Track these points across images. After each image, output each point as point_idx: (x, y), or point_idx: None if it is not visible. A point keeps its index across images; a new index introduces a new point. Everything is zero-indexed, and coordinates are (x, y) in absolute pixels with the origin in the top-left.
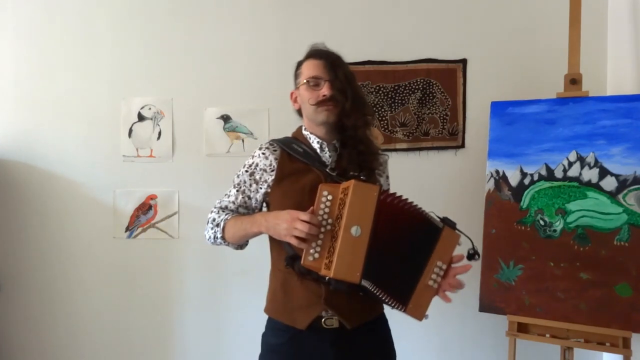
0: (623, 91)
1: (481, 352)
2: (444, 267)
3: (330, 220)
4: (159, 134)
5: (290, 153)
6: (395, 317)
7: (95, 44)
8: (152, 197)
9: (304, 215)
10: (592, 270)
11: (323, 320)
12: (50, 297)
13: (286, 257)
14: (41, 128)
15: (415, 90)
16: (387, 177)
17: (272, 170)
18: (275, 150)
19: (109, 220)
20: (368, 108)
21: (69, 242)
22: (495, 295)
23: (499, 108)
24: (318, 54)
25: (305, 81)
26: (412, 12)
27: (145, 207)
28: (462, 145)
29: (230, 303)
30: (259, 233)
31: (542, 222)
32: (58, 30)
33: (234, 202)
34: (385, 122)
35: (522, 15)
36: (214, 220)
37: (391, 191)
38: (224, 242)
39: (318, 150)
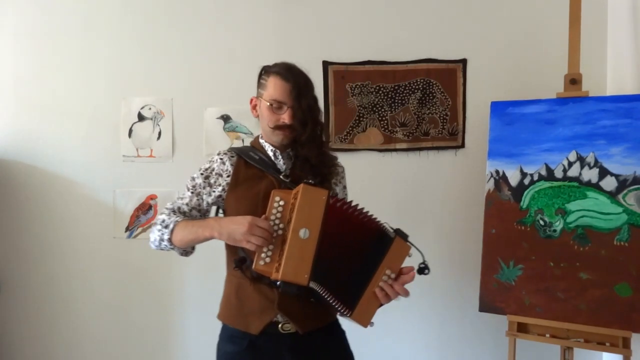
0: (623, 91)
1: (481, 352)
2: (393, 275)
3: (281, 225)
4: (159, 134)
5: (247, 160)
6: (393, 317)
7: (95, 44)
8: (152, 197)
9: (261, 222)
10: (592, 270)
11: (280, 325)
12: (50, 297)
13: (235, 259)
14: (41, 128)
15: (415, 90)
16: (344, 187)
17: (228, 176)
18: (232, 157)
19: (109, 220)
20: (322, 136)
21: (69, 242)
22: (495, 295)
23: (499, 108)
24: (287, 75)
25: (268, 103)
26: (412, 12)
27: (145, 207)
28: (462, 145)
29: None
30: (210, 238)
31: (542, 222)
32: (58, 31)
33: (187, 204)
34: (385, 122)
35: (522, 15)
36: (163, 221)
37: (352, 200)
38: (170, 245)
39: (272, 157)
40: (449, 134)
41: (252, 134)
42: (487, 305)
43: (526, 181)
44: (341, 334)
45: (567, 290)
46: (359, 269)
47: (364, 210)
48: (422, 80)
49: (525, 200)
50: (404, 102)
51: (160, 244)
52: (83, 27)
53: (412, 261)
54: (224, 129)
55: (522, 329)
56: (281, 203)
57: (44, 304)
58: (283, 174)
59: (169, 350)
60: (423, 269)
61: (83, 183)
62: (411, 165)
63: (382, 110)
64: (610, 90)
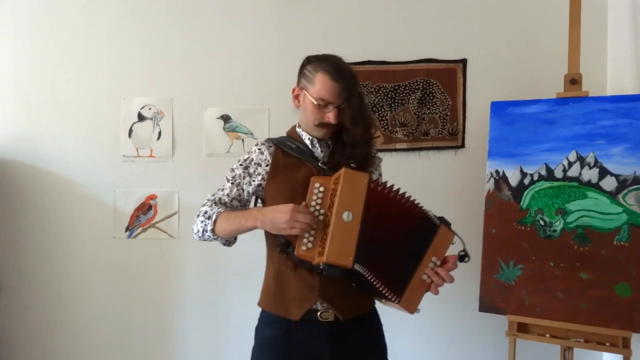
0: (623, 91)
1: (481, 352)
2: (438, 263)
3: (322, 211)
4: (159, 134)
5: (284, 149)
6: (393, 317)
7: (95, 44)
8: (152, 197)
9: (302, 209)
10: (592, 270)
11: (319, 313)
12: (50, 297)
13: (279, 243)
14: (41, 128)
15: (415, 90)
16: (380, 175)
17: (267, 165)
18: (270, 147)
19: (109, 220)
20: (373, 125)
21: (69, 242)
22: (495, 295)
23: (499, 108)
24: (337, 76)
25: (315, 101)
26: (412, 12)
27: (145, 207)
28: (462, 145)
29: (230, 303)
30: (254, 227)
31: (542, 222)
32: (58, 31)
33: (228, 195)
34: (385, 122)
35: (522, 15)
36: (205, 212)
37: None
38: (213, 235)
39: (309, 146)
40: (449, 134)
41: (252, 133)
42: (487, 305)
43: (526, 181)
44: (378, 324)
45: (567, 290)
46: (405, 256)
47: (402, 193)
48: (422, 80)
49: (525, 200)
50: (404, 102)
51: (204, 234)
52: (83, 27)
53: (451, 249)
54: (224, 129)
55: (522, 329)
56: (321, 189)
57: (44, 304)
58: (321, 161)
59: (169, 350)
60: (464, 257)
61: (83, 183)
62: (411, 165)
63: (382, 110)
64: (610, 90)
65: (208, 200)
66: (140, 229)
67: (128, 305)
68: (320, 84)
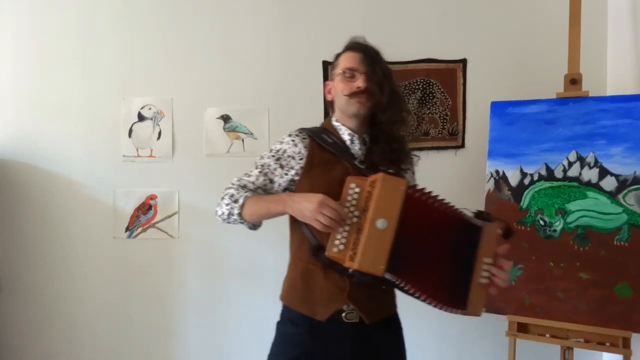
0: (623, 91)
1: (481, 352)
2: (492, 262)
3: (356, 213)
4: (159, 134)
5: (320, 143)
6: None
7: (95, 43)
8: (152, 197)
9: (333, 203)
10: (592, 270)
11: (344, 314)
12: (50, 297)
13: (312, 247)
14: (41, 128)
15: (415, 90)
16: (414, 174)
17: (301, 159)
18: (304, 139)
19: (109, 220)
20: (405, 105)
21: (69, 242)
22: (495, 295)
23: (499, 108)
24: (356, 46)
25: (340, 72)
26: (412, 12)
27: (145, 207)
28: (462, 145)
29: (230, 303)
30: (282, 212)
31: (542, 222)
32: (58, 31)
33: (253, 183)
34: None
35: (522, 15)
36: (232, 196)
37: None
38: (240, 219)
39: (348, 143)
40: (449, 134)
41: (252, 134)
42: (487, 305)
43: (526, 181)
44: (399, 327)
45: (567, 290)
46: (456, 265)
47: (440, 198)
48: (422, 80)
49: (525, 200)
50: None
51: (230, 217)
52: (83, 27)
53: None
54: (224, 129)
55: (522, 329)
56: (356, 190)
57: (44, 304)
58: (358, 159)
59: (169, 350)
60: (508, 234)
61: (83, 183)
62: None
63: None
64: (610, 90)
65: (233, 184)
66: (140, 229)
67: (128, 306)
68: (343, 60)
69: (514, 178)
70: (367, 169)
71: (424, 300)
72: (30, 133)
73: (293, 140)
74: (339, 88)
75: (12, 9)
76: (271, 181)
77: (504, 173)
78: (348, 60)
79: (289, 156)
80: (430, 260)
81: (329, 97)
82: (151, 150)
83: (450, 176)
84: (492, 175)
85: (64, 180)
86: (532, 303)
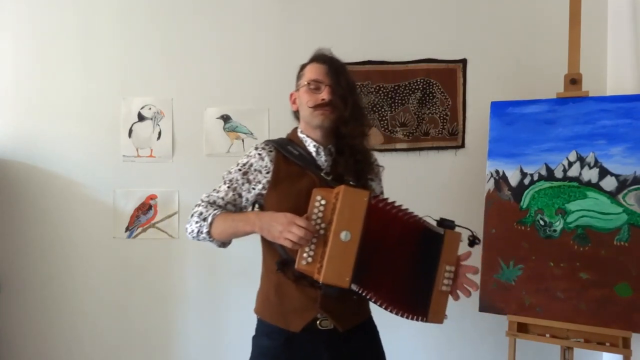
0: (623, 91)
1: (481, 352)
2: (453, 269)
3: (323, 225)
4: (159, 134)
5: (286, 155)
6: (392, 317)
7: (95, 44)
8: (152, 197)
9: (300, 221)
10: (592, 270)
11: (318, 322)
12: (50, 297)
13: (277, 261)
14: (41, 128)
15: (415, 90)
16: (380, 181)
17: (268, 172)
18: (271, 152)
19: (109, 220)
20: (366, 119)
21: (69, 241)
22: (495, 295)
23: (499, 108)
24: (322, 58)
25: (306, 83)
26: (412, 12)
27: (145, 207)
28: (462, 145)
29: (230, 303)
30: (251, 232)
31: (542, 222)
32: (58, 31)
33: (222, 198)
34: (385, 122)
35: (522, 15)
36: (200, 214)
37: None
38: (209, 237)
39: (314, 154)
40: (449, 134)
41: (252, 134)
42: (487, 305)
43: (526, 181)
44: (375, 331)
45: (567, 290)
46: (418, 274)
47: (403, 208)
48: (422, 80)
49: (525, 200)
50: (404, 102)
51: (199, 235)
52: (83, 27)
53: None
54: (224, 129)
55: (522, 329)
56: (322, 202)
57: (44, 304)
58: (324, 171)
59: (169, 350)
60: (473, 241)
61: (83, 183)
62: (411, 165)
63: (382, 110)
64: (610, 90)
65: (202, 201)
66: (140, 229)
67: (128, 305)
68: (308, 71)
69: (514, 178)
70: (334, 180)
71: (386, 309)
72: (30, 133)
73: (260, 154)
74: (304, 99)
75: (12, 9)
76: (240, 195)
77: (504, 173)
78: (313, 72)
79: (255, 170)
80: (393, 269)
81: (293, 108)
82: (151, 150)
83: (450, 176)
84: (492, 175)
85: (64, 180)
86: (532, 303)
